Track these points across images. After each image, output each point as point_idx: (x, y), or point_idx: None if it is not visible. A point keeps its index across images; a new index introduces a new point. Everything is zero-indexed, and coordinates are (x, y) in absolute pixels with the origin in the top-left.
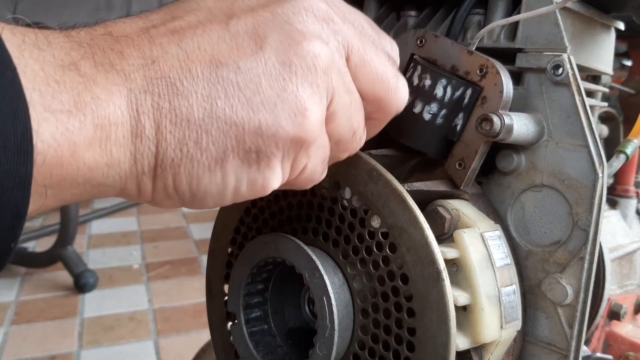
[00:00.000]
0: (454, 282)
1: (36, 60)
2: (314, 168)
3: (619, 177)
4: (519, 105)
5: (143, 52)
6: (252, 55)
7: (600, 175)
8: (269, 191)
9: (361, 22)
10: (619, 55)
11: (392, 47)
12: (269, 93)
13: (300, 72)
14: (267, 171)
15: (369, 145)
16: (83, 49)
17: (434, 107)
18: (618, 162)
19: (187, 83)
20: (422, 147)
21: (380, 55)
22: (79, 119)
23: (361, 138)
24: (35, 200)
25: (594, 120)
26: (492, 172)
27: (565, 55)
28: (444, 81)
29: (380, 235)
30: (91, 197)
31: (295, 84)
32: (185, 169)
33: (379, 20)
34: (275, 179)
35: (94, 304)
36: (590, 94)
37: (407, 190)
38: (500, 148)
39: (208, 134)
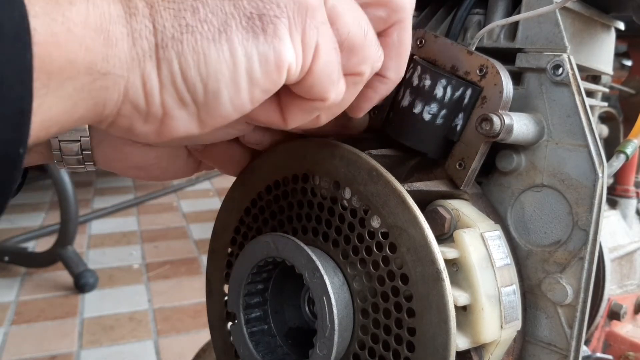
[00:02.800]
0: (454, 282)
1: None
2: (329, 54)
3: (619, 177)
4: (519, 105)
5: None
6: None
7: (600, 175)
8: (284, 71)
9: None
10: (619, 55)
11: None
12: None
13: None
14: (276, 41)
15: (369, 145)
16: None
17: (433, 107)
18: (618, 162)
19: None
20: (422, 148)
21: None
22: None
23: (377, 46)
24: (38, 96)
25: (594, 120)
26: (492, 172)
27: (565, 55)
28: (443, 81)
29: (380, 235)
30: (95, 100)
31: None
32: (188, 44)
33: None
34: (287, 52)
35: (94, 304)
36: (590, 94)
37: (407, 190)
38: (500, 148)
39: (204, 5)
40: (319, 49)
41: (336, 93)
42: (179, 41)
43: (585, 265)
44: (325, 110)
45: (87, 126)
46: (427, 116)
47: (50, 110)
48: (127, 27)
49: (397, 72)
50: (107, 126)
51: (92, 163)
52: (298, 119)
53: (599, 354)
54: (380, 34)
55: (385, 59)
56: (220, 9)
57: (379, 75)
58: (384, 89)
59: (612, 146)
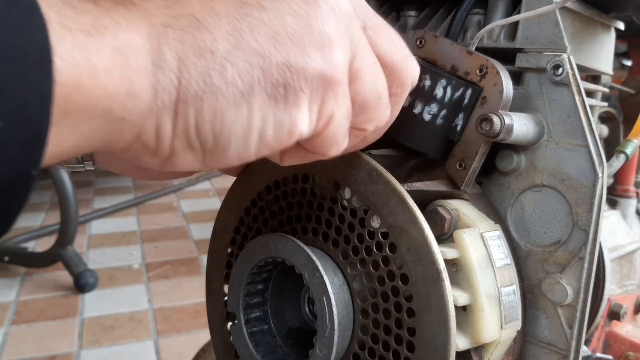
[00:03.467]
0: (454, 282)
1: None
2: (340, 122)
3: (619, 177)
4: (519, 105)
5: None
6: None
7: (600, 175)
8: (295, 138)
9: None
10: (619, 55)
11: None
12: (294, 29)
13: (325, 12)
14: (294, 110)
15: (369, 145)
16: None
17: (433, 107)
18: (618, 162)
19: (211, 19)
20: (422, 148)
21: (391, 28)
22: (97, 40)
23: (387, 108)
24: (53, 131)
25: (594, 120)
26: (492, 172)
27: (565, 55)
28: (443, 81)
29: (380, 235)
30: (107, 140)
31: (320, 21)
32: (209, 103)
33: None
34: (302, 122)
35: (94, 304)
36: (590, 94)
37: (407, 190)
38: (500, 148)
39: (233, 66)
40: (333, 118)
41: (337, 150)
42: (201, 98)
43: (585, 265)
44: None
45: None
46: (427, 116)
47: (62, 143)
48: (152, 79)
49: (378, 134)
50: (115, 154)
51: (91, 162)
52: (294, 161)
53: (599, 354)
54: None
55: None
56: (249, 73)
57: None
58: (371, 138)
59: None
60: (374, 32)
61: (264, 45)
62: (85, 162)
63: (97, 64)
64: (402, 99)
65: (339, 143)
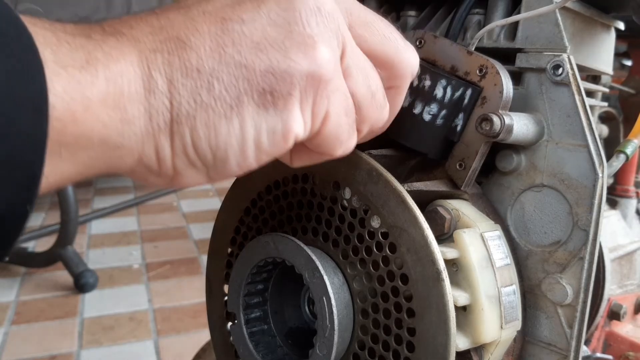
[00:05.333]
0: (454, 282)
1: (48, 30)
2: (338, 119)
3: (619, 177)
4: (519, 105)
5: (151, 23)
6: (254, 9)
7: (600, 175)
8: (291, 141)
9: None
10: (619, 55)
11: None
12: (275, 36)
13: (305, 14)
14: (285, 114)
15: (369, 145)
16: (93, 26)
17: (433, 107)
18: (618, 162)
19: (195, 39)
20: (422, 148)
21: (381, 19)
22: (90, 73)
23: (383, 106)
24: (51, 161)
25: (594, 120)
26: (492, 172)
27: (565, 55)
28: (443, 82)
29: (380, 235)
30: (109, 166)
31: (300, 25)
32: (201, 120)
33: None
34: (295, 124)
35: (94, 304)
36: (590, 94)
37: (407, 190)
38: (500, 148)
39: (219, 81)
40: (328, 116)
41: (344, 150)
42: (193, 117)
43: (585, 265)
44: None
45: None
46: (427, 116)
47: (62, 173)
48: (145, 104)
49: (384, 127)
50: (121, 175)
51: None
52: (304, 162)
53: (599, 354)
54: None
55: None
56: (235, 85)
57: None
58: (369, 137)
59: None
60: (362, 27)
61: (247, 57)
62: None
63: (90, 96)
64: (403, 91)
65: (342, 141)
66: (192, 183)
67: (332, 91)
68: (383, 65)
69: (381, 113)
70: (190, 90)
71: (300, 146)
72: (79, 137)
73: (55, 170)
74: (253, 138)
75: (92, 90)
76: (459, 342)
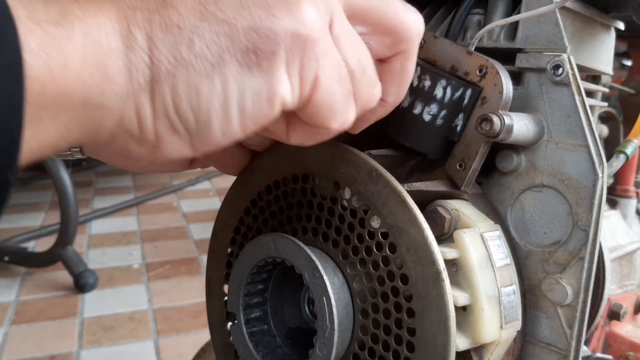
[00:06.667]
0: (454, 282)
1: None
2: (330, 85)
3: (619, 177)
4: (519, 105)
5: None
6: None
7: (600, 175)
8: (277, 105)
9: None
10: (619, 55)
11: None
12: None
13: None
14: (269, 75)
15: (369, 145)
16: None
17: (433, 108)
18: (618, 162)
19: None
20: (422, 148)
21: None
22: (66, 27)
23: (375, 83)
24: (31, 125)
25: (594, 120)
26: (492, 172)
27: (565, 55)
28: (443, 82)
29: (380, 235)
30: (90, 129)
31: None
32: (181, 78)
33: None
34: (281, 87)
35: (94, 304)
36: (590, 94)
37: (407, 190)
38: (500, 148)
39: (200, 38)
40: (318, 80)
41: (341, 122)
42: (173, 75)
43: (585, 265)
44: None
45: None
46: (427, 117)
47: (43, 137)
48: (125, 59)
49: (396, 98)
50: (103, 145)
51: (78, 150)
52: (301, 139)
53: (599, 354)
54: (383, 61)
55: (387, 85)
56: (216, 42)
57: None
58: (382, 112)
59: (612, 146)
60: None
61: (229, 14)
62: (72, 150)
63: (68, 52)
64: (412, 55)
65: (337, 111)
66: (176, 152)
67: (321, 54)
68: (384, 30)
69: (372, 90)
70: (170, 46)
71: (294, 119)
72: (59, 97)
73: (36, 134)
74: (236, 100)
75: (69, 46)
76: (459, 342)
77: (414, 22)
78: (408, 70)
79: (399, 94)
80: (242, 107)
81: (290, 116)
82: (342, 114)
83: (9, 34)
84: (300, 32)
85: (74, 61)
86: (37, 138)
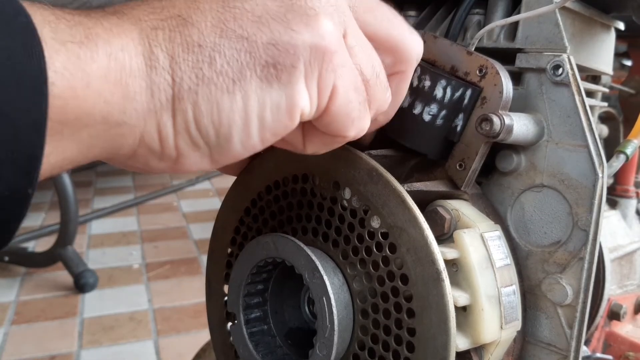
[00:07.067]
0: (454, 283)
1: (46, 9)
2: (347, 95)
3: (619, 177)
4: (519, 105)
5: (152, 4)
6: None
7: (600, 175)
8: (296, 117)
9: None
10: (619, 55)
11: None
12: (277, 10)
13: None
14: (289, 88)
15: (369, 145)
16: (93, 9)
17: (433, 108)
18: (618, 162)
19: (196, 16)
20: (422, 148)
21: (385, 5)
22: (90, 48)
23: (387, 88)
24: (52, 141)
25: (594, 120)
26: (492, 173)
27: (565, 55)
28: (443, 82)
29: (380, 235)
30: (111, 146)
31: None
32: (203, 95)
33: None
34: (300, 99)
35: (94, 304)
36: (590, 94)
37: (407, 190)
38: (500, 148)
39: (221, 55)
40: (336, 91)
41: (358, 130)
42: (195, 92)
43: (585, 265)
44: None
45: None
46: (427, 117)
47: (64, 152)
48: (147, 80)
49: (386, 117)
50: (122, 161)
51: None
52: (317, 148)
53: (599, 354)
54: None
55: None
56: (237, 59)
57: None
58: (374, 126)
59: (612, 146)
60: (366, 11)
61: (248, 30)
62: None
63: (91, 72)
64: (408, 77)
65: (354, 119)
66: (196, 166)
67: (339, 65)
68: (388, 49)
69: (385, 94)
70: (191, 65)
71: (311, 129)
72: (81, 115)
73: (57, 149)
74: (257, 113)
75: (92, 66)
76: (459, 342)
77: (416, 45)
78: (402, 90)
79: (390, 112)
80: (262, 120)
81: (306, 126)
82: (359, 121)
83: (35, 53)
84: (318, 45)
85: (97, 80)
86: (57, 153)
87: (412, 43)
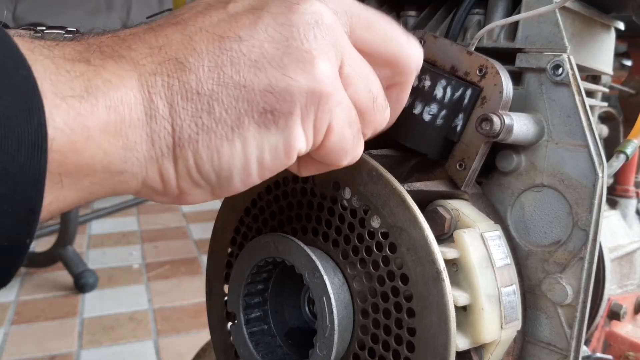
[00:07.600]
0: (454, 282)
1: (46, 57)
2: (342, 132)
3: (619, 177)
4: (519, 105)
5: (150, 43)
6: (251, 25)
7: (600, 175)
8: (294, 156)
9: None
10: (619, 55)
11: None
12: (273, 53)
13: (302, 28)
14: (286, 132)
15: (369, 145)
16: (92, 47)
17: (433, 108)
18: (618, 162)
19: (193, 59)
20: (422, 148)
21: (383, 18)
22: (90, 102)
23: (385, 108)
24: (52, 191)
25: (594, 120)
26: (492, 172)
27: (565, 55)
28: (443, 82)
29: (380, 235)
30: (113, 190)
31: (299, 40)
32: (203, 143)
33: None
34: (297, 141)
35: (94, 304)
36: (590, 94)
37: (407, 190)
38: (500, 148)
39: (219, 103)
40: (331, 129)
41: (351, 159)
42: (195, 140)
43: (585, 265)
44: None
45: None
46: (427, 117)
47: (65, 200)
48: (147, 129)
49: (387, 124)
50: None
51: None
52: (312, 172)
53: (599, 354)
54: None
55: None
56: (235, 107)
57: None
58: (372, 135)
59: (612, 146)
60: (364, 29)
61: (246, 76)
62: None
63: (91, 126)
64: (407, 87)
65: (347, 151)
66: (198, 201)
67: (334, 105)
68: (387, 64)
69: (383, 115)
70: (191, 113)
71: (307, 157)
72: (81, 166)
73: (57, 198)
74: (256, 157)
75: (93, 120)
76: (459, 342)
77: (415, 57)
78: (402, 100)
79: (390, 121)
80: (261, 162)
81: (302, 156)
82: (353, 151)
83: (35, 109)
84: (314, 90)
85: (97, 134)
86: (57, 201)
87: (410, 55)
